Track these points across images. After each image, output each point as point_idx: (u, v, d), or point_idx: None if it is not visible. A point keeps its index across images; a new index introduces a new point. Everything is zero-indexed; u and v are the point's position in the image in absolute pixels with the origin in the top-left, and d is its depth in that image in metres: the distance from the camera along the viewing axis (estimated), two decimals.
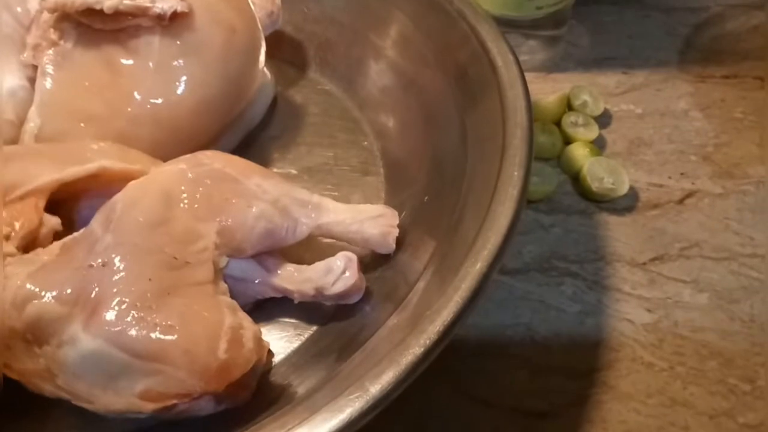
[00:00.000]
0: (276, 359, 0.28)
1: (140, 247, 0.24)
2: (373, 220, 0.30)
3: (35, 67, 0.33)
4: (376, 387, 0.21)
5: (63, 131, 0.31)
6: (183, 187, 0.27)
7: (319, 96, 0.40)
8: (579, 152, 0.37)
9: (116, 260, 0.23)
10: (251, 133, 0.38)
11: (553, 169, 0.37)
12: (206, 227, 0.26)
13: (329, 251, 0.30)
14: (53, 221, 0.25)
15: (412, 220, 0.31)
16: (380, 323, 0.27)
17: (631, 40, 0.45)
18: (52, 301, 0.22)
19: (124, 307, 0.22)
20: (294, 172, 0.36)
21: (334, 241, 0.30)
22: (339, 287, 0.28)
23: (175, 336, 0.22)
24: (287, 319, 0.30)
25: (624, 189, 0.36)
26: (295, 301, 0.29)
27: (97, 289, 0.23)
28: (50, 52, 0.32)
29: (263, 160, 0.36)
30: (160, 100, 0.32)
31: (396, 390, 0.22)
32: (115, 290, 0.23)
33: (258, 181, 0.29)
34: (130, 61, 0.32)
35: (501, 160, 0.28)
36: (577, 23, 0.45)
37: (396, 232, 0.30)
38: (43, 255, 0.24)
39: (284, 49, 0.41)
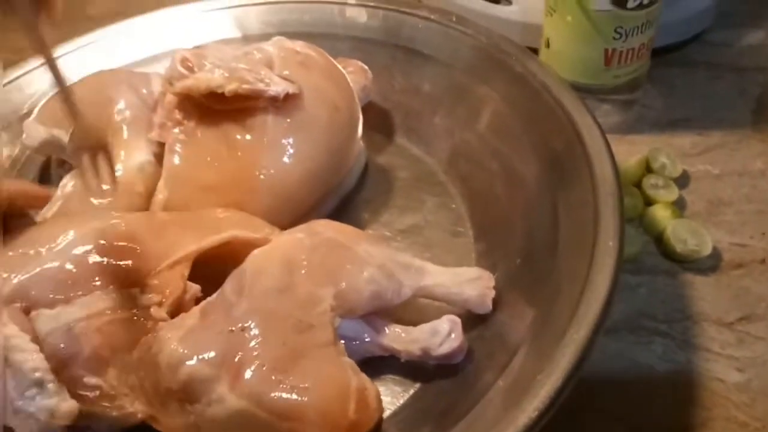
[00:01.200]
0: (384, 414, 0.30)
1: (272, 312, 0.27)
2: (472, 283, 0.32)
3: (159, 143, 0.36)
4: None
5: (188, 201, 0.34)
6: (302, 255, 0.30)
7: (407, 161, 0.42)
8: (661, 214, 0.38)
9: (252, 326, 0.26)
10: (346, 196, 0.40)
11: (636, 230, 0.39)
12: (324, 291, 0.29)
13: (426, 310, 0.32)
14: (195, 288, 0.28)
15: (506, 281, 0.33)
16: (482, 384, 0.28)
17: (704, 101, 0.46)
18: (201, 364, 0.25)
19: (264, 369, 0.25)
20: (388, 233, 0.39)
21: (431, 300, 0.32)
22: (445, 349, 0.30)
23: (311, 398, 0.24)
24: (392, 376, 0.32)
25: (707, 250, 0.37)
26: (402, 360, 0.31)
27: (239, 353, 0.25)
28: (176, 130, 0.36)
29: (357, 223, 0.38)
30: (272, 172, 0.35)
31: None
32: (255, 354, 0.25)
33: (366, 248, 0.31)
34: (247, 137, 0.35)
35: (595, 230, 0.30)
36: (650, 86, 0.46)
37: (493, 293, 0.32)
38: (188, 319, 0.27)
39: (373, 118, 0.44)
